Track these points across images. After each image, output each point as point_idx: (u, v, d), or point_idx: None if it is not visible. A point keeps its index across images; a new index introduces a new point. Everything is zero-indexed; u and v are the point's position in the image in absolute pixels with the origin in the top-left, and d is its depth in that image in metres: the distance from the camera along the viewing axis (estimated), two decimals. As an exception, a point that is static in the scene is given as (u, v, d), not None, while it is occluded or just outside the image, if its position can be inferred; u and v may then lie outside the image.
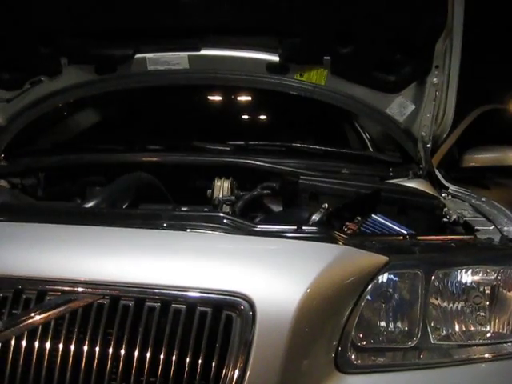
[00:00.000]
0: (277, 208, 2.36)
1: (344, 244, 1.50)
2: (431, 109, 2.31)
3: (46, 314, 1.32)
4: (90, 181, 2.51)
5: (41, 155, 2.59)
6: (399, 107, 2.40)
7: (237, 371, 1.29)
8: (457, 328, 1.46)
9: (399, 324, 1.42)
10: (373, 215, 1.86)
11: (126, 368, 1.30)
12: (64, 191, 2.48)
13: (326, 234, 1.56)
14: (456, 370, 1.43)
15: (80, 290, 1.34)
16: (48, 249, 1.44)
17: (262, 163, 2.32)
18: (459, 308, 1.46)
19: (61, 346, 1.31)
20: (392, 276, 1.43)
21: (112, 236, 1.51)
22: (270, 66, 2.41)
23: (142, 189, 2.24)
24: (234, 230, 1.55)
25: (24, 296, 1.34)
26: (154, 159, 2.45)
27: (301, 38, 2.32)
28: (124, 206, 2.07)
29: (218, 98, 2.87)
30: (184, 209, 2.01)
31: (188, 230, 1.55)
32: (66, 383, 1.30)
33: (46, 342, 1.31)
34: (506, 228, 1.78)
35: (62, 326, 1.32)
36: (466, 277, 1.48)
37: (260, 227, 1.59)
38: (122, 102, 2.80)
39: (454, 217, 1.90)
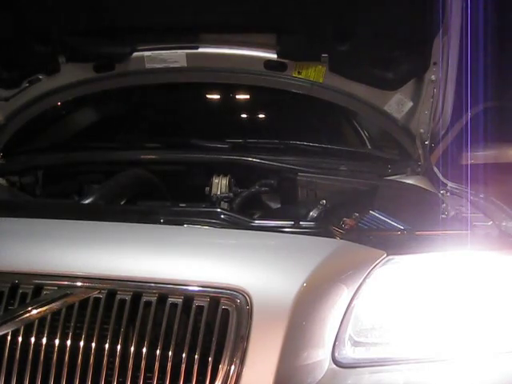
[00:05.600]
0: (275, 205, 2.37)
1: (341, 238, 1.50)
2: (429, 106, 2.32)
3: (42, 309, 1.31)
4: (88, 179, 2.51)
5: (39, 153, 2.59)
6: (397, 104, 2.40)
7: (234, 365, 1.28)
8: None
9: (396, 318, 1.42)
10: (371, 211, 1.86)
11: (123, 362, 1.29)
12: (62, 189, 2.48)
13: (323, 228, 1.56)
14: (455, 365, 1.42)
15: (76, 284, 1.34)
16: (44, 243, 1.44)
17: (260, 160, 2.32)
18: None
19: (57, 340, 1.30)
20: (389, 270, 1.43)
21: (108, 230, 1.51)
22: (267, 63, 2.41)
23: (140, 186, 2.24)
24: (232, 225, 1.56)
25: (20, 290, 1.34)
26: (152, 157, 2.46)
27: (299, 35, 2.32)
28: (122, 203, 2.07)
29: (216, 96, 2.87)
30: (182, 205, 2.02)
31: (185, 225, 1.55)
32: (63, 378, 1.30)
33: (43, 336, 1.31)
34: (504, 224, 1.77)
35: (59, 321, 1.31)
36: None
37: (257, 222, 1.59)
38: (120, 100, 2.80)
39: (453, 213, 1.90)
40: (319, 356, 1.34)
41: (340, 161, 2.41)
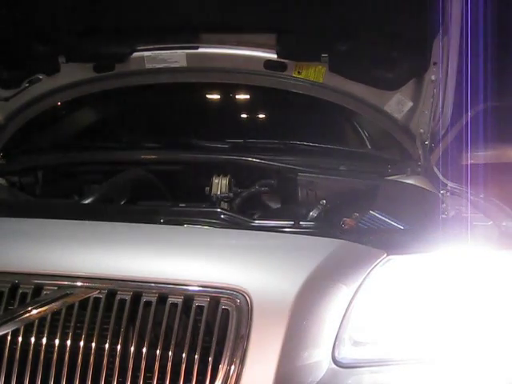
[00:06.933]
0: (275, 205, 2.37)
1: (341, 238, 1.50)
2: (429, 106, 2.32)
3: (42, 309, 1.31)
4: (88, 179, 2.52)
5: (39, 154, 2.59)
6: (397, 104, 2.40)
7: (234, 365, 1.28)
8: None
9: (396, 318, 1.42)
10: (371, 211, 1.86)
11: (123, 362, 1.29)
12: (62, 189, 2.48)
13: (323, 228, 1.56)
14: (457, 365, 1.42)
15: (76, 284, 1.34)
16: (44, 243, 1.44)
17: (260, 160, 2.32)
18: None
19: (57, 340, 1.30)
20: (389, 270, 1.43)
21: (108, 230, 1.51)
22: (267, 63, 2.42)
23: (140, 186, 2.25)
24: (232, 225, 1.56)
25: (20, 290, 1.34)
26: (152, 157, 2.46)
27: (298, 35, 2.32)
28: (122, 203, 2.07)
29: (215, 96, 2.87)
30: (182, 205, 2.02)
31: (185, 226, 1.55)
32: (63, 378, 1.30)
33: (43, 336, 1.31)
34: (504, 224, 1.77)
35: (59, 321, 1.31)
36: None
37: (257, 222, 1.59)
38: (120, 100, 2.80)
39: (453, 213, 1.90)
40: (319, 356, 1.34)
41: (340, 161, 2.41)
